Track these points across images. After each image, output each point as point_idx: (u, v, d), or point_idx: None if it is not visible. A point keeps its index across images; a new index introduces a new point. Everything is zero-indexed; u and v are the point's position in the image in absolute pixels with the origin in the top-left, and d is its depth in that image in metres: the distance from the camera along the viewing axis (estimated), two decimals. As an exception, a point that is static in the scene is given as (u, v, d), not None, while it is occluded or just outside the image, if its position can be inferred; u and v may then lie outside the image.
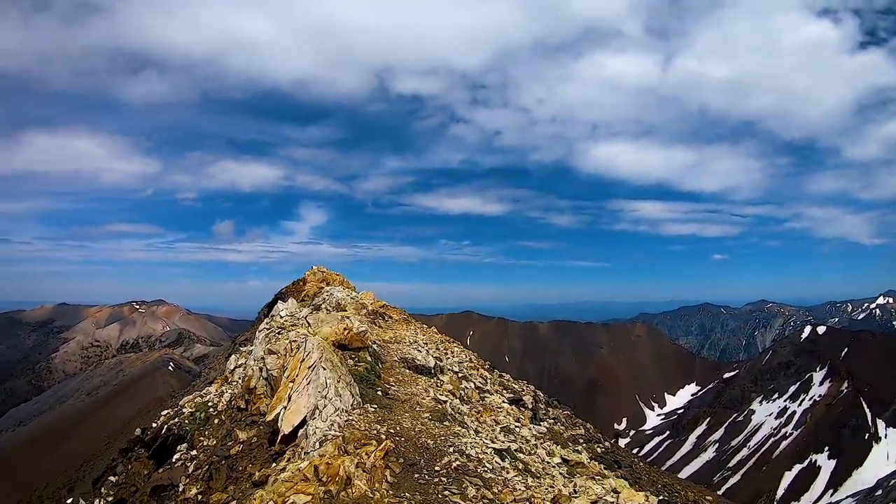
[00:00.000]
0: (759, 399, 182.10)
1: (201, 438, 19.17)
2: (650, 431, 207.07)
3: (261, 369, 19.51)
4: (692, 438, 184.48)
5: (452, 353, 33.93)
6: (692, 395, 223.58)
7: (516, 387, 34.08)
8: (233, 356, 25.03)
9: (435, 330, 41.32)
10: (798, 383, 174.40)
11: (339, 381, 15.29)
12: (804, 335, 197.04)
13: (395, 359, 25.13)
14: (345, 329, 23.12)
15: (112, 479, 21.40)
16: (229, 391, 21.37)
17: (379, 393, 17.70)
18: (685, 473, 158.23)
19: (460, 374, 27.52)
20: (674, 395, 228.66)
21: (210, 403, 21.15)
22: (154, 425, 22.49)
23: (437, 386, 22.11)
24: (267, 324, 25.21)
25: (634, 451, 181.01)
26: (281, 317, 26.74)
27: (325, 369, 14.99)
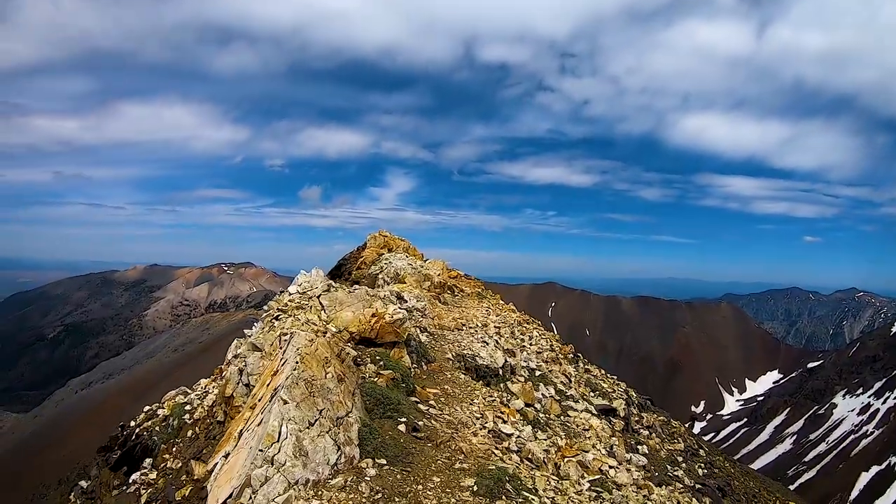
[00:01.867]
0: (842, 393, 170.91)
1: (166, 457, 13.48)
2: (727, 417, 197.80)
3: (240, 371, 12.87)
4: (770, 428, 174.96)
5: (531, 339, 26.62)
6: (774, 382, 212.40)
7: (605, 386, 25.96)
8: (235, 340, 16.62)
9: (513, 307, 34.13)
10: (884, 380, 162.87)
11: (311, 424, 8.28)
12: (895, 329, 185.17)
13: (450, 356, 17.65)
14: (373, 316, 15.31)
15: (83, 484, 16.18)
16: (215, 391, 14.89)
17: (401, 427, 10.43)
18: (760, 464, 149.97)
19: (538, 373, 20.33)
20: (755, 382, 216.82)
21: (189, 407, 15.13)
22: (132, 423, 16.66)
23: (502, 402, 14.59)
24: (269, 306, 17.85)
25: (710, 436, 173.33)
26: (289, 294, 18.31)
27: (286, 401, 8.20)
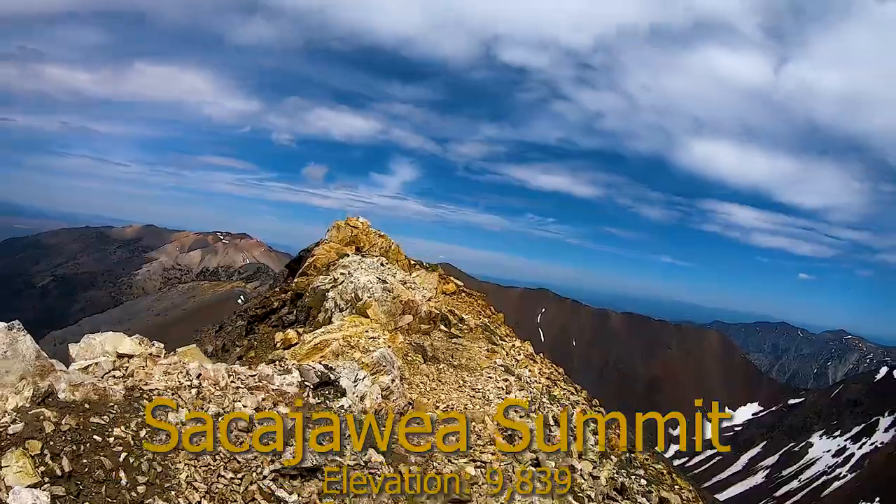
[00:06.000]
0: (819, 433, 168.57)
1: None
2: (703, 442, 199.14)
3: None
4: (744, 459, 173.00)
5: (574, 428, 13.96)
6: (753, 414, 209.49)
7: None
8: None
9: (531, 351, 23.36)
10: (863, 425, 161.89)
11: None
12: (879, 376, 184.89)
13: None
14: None
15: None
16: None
17: None
18: (730, 493, 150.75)
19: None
20: (734, 411, 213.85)
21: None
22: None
23: None
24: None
25: (683, 460, 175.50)
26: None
27: None
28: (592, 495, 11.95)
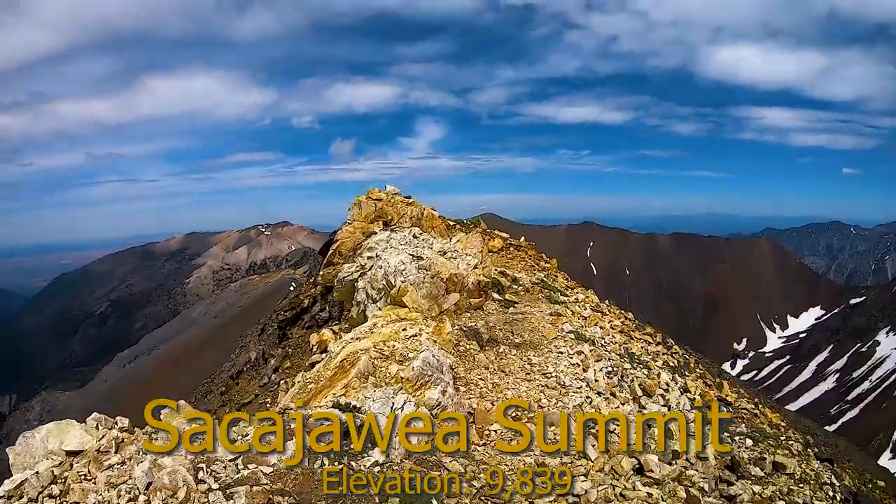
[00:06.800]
0: (885, 330, 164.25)
1: None
2: (770, 354, 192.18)
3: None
4: (812, 366, 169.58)
5: (666, 389, 13.24)
6: (816, 319, 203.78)
7: None
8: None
9: (596, 302, 20.98)
10: None
11: None
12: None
13: None
14: None
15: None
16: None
17: None
18: (802, 402, 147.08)
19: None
20: (797, 318, 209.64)
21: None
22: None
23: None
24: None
25: (752, 374, 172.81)
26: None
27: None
28: (706, 487, 9.63)
